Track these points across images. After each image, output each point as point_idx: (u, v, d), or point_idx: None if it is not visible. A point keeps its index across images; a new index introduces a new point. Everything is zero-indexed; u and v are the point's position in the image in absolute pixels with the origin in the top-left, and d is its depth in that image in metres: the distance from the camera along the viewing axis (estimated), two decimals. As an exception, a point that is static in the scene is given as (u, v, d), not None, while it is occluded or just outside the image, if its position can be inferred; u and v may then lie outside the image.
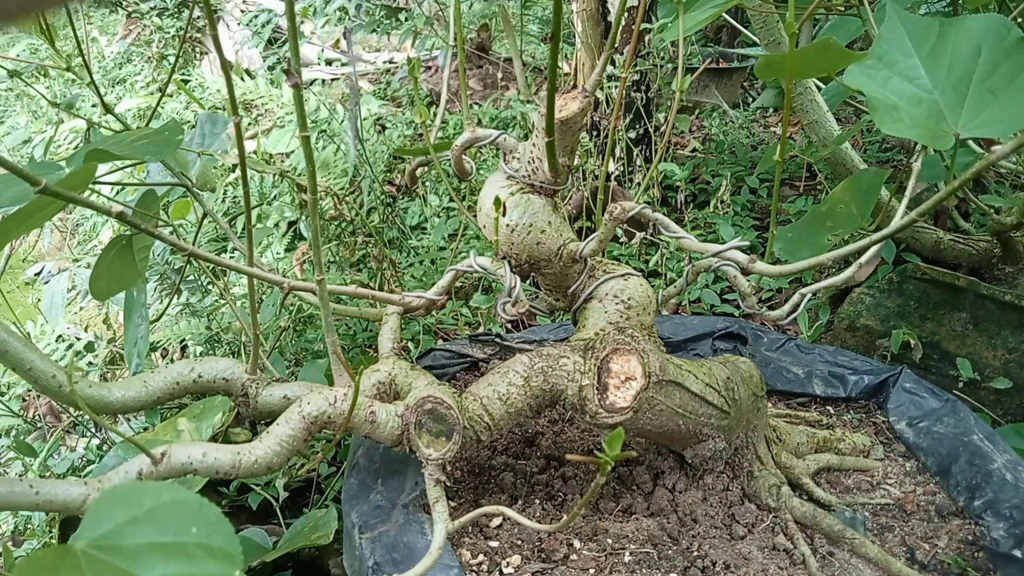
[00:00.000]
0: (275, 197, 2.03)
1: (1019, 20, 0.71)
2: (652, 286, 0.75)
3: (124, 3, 3.20)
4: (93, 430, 1.28)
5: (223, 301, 1.45)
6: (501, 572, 0.69)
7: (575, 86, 0.55)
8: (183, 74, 3.10)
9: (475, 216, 0.76)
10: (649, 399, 0.66)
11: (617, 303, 0.72)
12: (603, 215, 0.69)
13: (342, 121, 2.13)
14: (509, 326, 1.31)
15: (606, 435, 0.39)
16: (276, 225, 1.94)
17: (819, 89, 1.22)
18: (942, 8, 1.55)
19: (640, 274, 0.75)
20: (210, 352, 1.44)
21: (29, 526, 1.10)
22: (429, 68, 2.83)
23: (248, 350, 0.73)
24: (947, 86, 0.51)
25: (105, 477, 0.54)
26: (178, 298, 1.47)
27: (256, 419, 0.95)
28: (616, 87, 1.56)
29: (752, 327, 1.08)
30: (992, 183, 1.47)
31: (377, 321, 0.80)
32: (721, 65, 2.67)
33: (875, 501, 0.80)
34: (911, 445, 0.88)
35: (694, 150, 2.23)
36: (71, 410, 1.33)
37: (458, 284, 0.80)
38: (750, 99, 2.67)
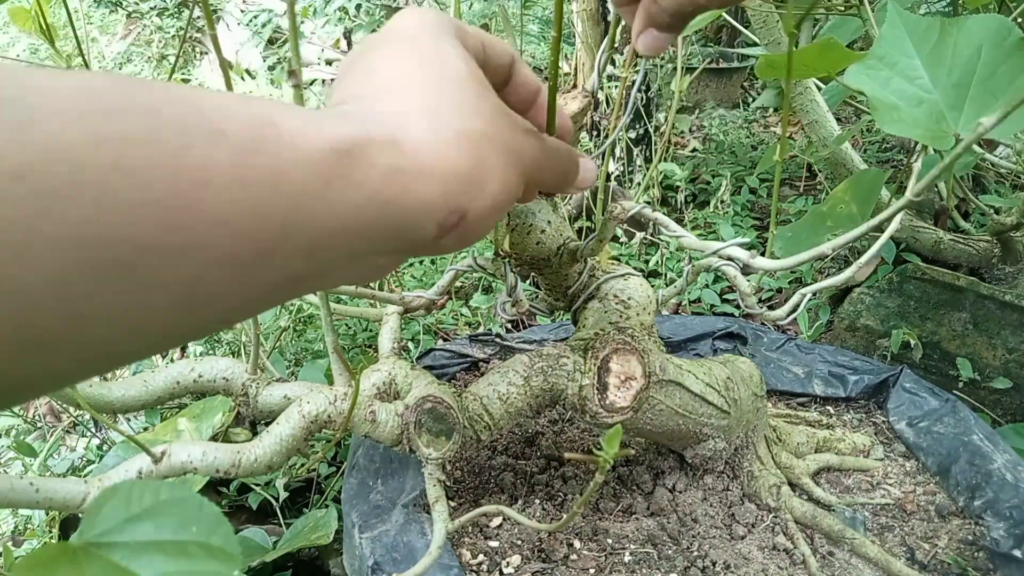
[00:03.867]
0: (275, 197, 2.02)
1: (1019, 20, 0.71)
2: (652, 286, 0.75)
3: (124, 3, 3.20)
4: (93, 430, 1.28)
5: (223, 301, 1.44)
6: (501, 572, 0.69)
7: (575, 86, 0.55)
8: (183, 74, 3.10)
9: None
10: (649, 399, 0.66)
11: (617, 303, 0.72)
12: (603, 215, 0.69)
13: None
14: (509, 326, 1.31)
15: (606, 435, 0.39)
16: (276, 225, 1.93)
17: (819, 89, 1.22)
18: (942, 8, 1.55)
19: (640, 274, 0.75)
20: (210, 352, 1.44)
21: (29, 526, 1.09)
22: (429, 68, 2.83)
23: (248, 350, 0.73)
24: (948, 86, 0.51)
25: (105, 476, 0.54)
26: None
27: (256, 419, 0.95)
28: (616, 87, 1.56)
29: (752, 327, 1.08)
30: (992, 183, 1.47)
31: (377, 321, 0.80)
32: (721, 65, 2.67)
33: (875, 501, 0.80)
34: (911, 445, 0.88)
35: (694, 150, 2.23)
36: (71, 410, 1.33)
37: (458, 284, 0.80)
38: (750, 99, 2.67)
